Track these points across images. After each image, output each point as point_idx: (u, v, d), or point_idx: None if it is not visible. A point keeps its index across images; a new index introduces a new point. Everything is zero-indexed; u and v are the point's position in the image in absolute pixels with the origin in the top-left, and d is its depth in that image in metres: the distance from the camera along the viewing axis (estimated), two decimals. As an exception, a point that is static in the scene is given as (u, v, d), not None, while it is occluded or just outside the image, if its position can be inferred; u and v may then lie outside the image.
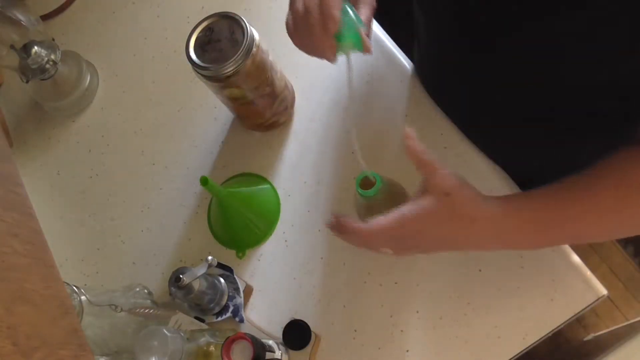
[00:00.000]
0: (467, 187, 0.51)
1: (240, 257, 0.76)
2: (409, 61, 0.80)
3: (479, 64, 0.61)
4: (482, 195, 0.51)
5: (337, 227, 0.54)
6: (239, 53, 0.64)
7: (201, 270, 0.63)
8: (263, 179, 0.79)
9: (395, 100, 0.77)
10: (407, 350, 0.67)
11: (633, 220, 0.50)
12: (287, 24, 0.58)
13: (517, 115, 0.64)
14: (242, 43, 0.64)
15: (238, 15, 0.66)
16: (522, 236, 0.51)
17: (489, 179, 0.71)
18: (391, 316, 0.69)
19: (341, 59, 0.56)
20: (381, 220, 0.51)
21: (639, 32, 0.45)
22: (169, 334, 0.59)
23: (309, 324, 0.69)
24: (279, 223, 0.76)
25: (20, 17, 0.84)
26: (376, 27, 0.82)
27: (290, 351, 0.69)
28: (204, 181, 0.63)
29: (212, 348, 0.62)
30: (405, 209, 0.51)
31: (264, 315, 0.72)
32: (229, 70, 0.64)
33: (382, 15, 0.84)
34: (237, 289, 0.71)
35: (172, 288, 0.63)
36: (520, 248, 0.57)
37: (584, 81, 0.54)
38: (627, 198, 0.49)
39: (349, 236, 0.53)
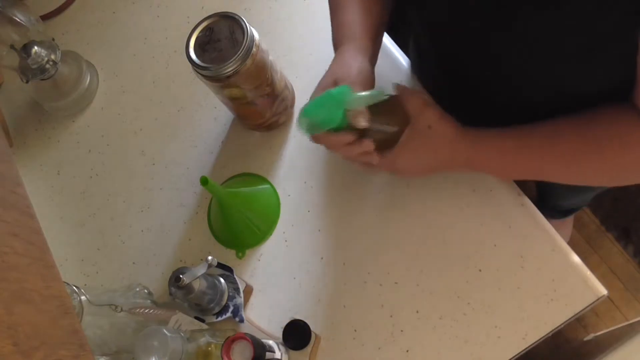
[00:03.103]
0: (444, 121, 0.61)
1: (240, 257, 0.76)
2: (409, 61, 0.80)
3: (477, 64, 0.61)
4: (456, 129, 0.61)
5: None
6: (239, 53, 0.64)
7: (201, 270, 0.63)
8: (263, 179, 0.79)
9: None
10: (407, 350, 0.67)
11: (612, 167, 0.56)
12: None
13: (518, 115, 0.64)
14: (242, 43, 0.64)
15: (238, 15, 0.66)
16: (489, 162, 0.61)
17: (488, 178, 0.71)
18: (391, 316, 0.69)
19: None
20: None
21: (627, 25, 0.45)
22: (169, 334, 0.59)
23: (309, 324, 0.69)
24: (279, 223, 0.76)
25: (20, 17, 0.84)
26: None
27: (290, 351, 0.69)
28: (204, 181, 0.63)
29: (212, 348, 0.62)
30: (399, 145, 0.61)
31: (264, 315, 0.72)
32: (229, 70, 0.64)
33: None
34: (237, 289, 0.71)
35: (172, 288, 0.63)
36: (491, 173, 0.66)
37: (582, 84, 0.54)
38: (607, 146, 0.54)
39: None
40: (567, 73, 0.53)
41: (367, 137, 0.58)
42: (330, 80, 0.59)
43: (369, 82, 0.60)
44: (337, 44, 0.64)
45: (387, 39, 0.82)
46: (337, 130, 0.57)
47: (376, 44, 0.65)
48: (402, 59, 0.80)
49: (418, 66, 0.77)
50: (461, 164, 0.62)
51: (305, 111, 0.55)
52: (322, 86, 0.59)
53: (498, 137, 0.61)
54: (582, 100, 0.55)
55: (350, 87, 0.55)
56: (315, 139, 0.59)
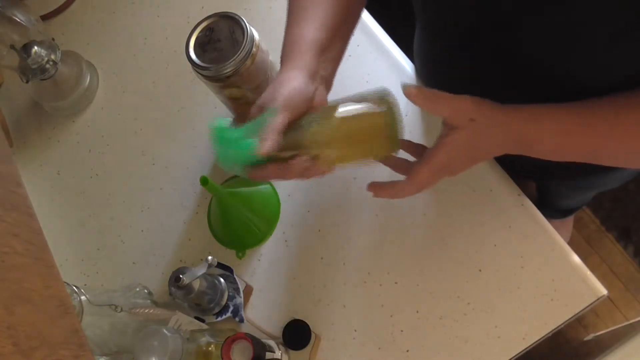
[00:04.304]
0: (486, 106, 0.54)
1: (240, 257, 0.76)
2: (409, 61, 0.80)
3: (484, 63, 0.60)
4: (504, 109, 0.54)
5: (384, 192, 0.59)
6: (239, 53, 0.64)
7: (201, 270, 0.63)
8: (263, 179, 0.79)
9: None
10: (407, 350, 0.67)
11: None
12: None
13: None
14: (242, 43, 0.64)
15: (238, 15, 0.66)
16: (541, 146, 0.55)
17: (488, 178, 0.71)
18: (391, 316, 0.69)
19: None
20: (423, 167, 0.55)
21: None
22: (169, 334, 0.59)
23: (309, 324, 0.69)
24: (279, 223, 0.76)
25: (20, 17, 0.84)
26: (375, 27, 0.82)
27: (290, 351, 0.69)
28: (204, 181, 0.63)
29: (212, 348, 0.62)
30: (439, 149, 0.55)
31: (264, 315, 0.72)
32: (228, 70, 0.64)
33: (381, 13, 0.84)
34: (237, 289, 0.71)
35: (172, 288, 0.63)
36: (540, 157, 0.58)
37: (588, 76, 0.53)
38: None
39: (402, 193, 0.57)
40: (593, 62, 0.51)
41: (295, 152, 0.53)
42: (258, 106, 0.55)
43: (301, 102, 0.54)
44: (280, 62, 0.60)
45: (386, 38, 0.82)
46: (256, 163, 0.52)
47: (326, 57, 0.59)
48: (402, 59, 0.80)
49: (427, 70, 0.76)
50: (512, 147, 0.56)
51: (220, 159, 0.52)
52: (251, 113, 0.56)
53: (555, 113, 0.54)
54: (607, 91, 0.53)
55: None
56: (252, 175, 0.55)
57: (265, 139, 0.51)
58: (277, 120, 0.52)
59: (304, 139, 0.53)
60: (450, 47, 0.64)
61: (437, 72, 0.73)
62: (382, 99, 0.55)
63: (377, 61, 0.80)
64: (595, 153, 0.57)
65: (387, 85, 0.78)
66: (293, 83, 0.54)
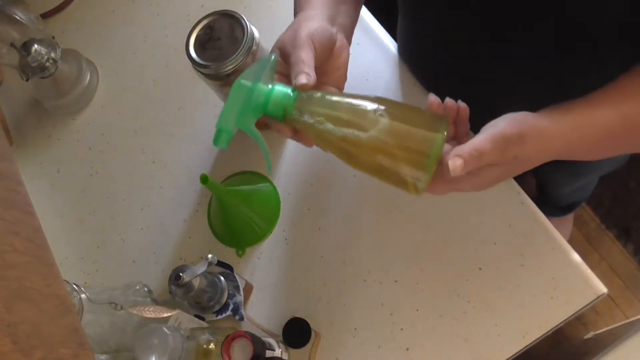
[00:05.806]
0: (525, 137, 0.47)
1: (240, 256, 0.76)
2: (397, 45, 0.80)
3: (469, 48, 0.60)
4: (544, 127, 0.48)
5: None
6: (239, 51, 0.64)
7: (201, 268, 0.63)
8: (263, 177, 0.79)
9: (387, 90, 0.77)
10: (407, 349, 0.68)
11: None
12: None
13: (513, 103, 0.63)
14: (242, 41, 0.64)
15: (238, 14, 0.66)
16: (572, 147, 0.51)
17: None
18: (391, 314, 0.69)
19: None
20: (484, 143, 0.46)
21: None
22: (169, 332, 0.59)
23: (309, 322, 0.69)
24: (279, 221, 0.76)
25: (20, 15, 0.84)
26: (376, 26, 0.82)
27: (290, 349, 0.69)
28: (204, 179, 0.63)
29: (212, 346, 0.62)
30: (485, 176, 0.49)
31: (264, 313, 0.72)
32: (229, 68, 0.64)
33: (381, 12, 0.84)
34: (237, 287, 0.71)
35: (172, 286, 0.63)
36: (577, 158, 0.55)
37: (589, 19, 0.51)
38: None
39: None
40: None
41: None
42: (277, 48, 0.51)
43: (324, 39, 0.51)
44: (295, 12, 0.57)
45: (376, 26, 0.82)
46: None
47: (343, 8, 0.57)
48: (393, 48, 0.80)
49: (413, 48, 0.76)
50: (550, 158, 0.52)
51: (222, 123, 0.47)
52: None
53: (581, 126, 0.50)
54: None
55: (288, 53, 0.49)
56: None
57: (300, 73, 0.47)
58: (303, 55, 0.47)
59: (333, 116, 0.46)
60: (432, 24, 0.64)
61: (420, 54, 0.73)
62: (439, 120, 0.47)
63: (377, 59, 0.80)
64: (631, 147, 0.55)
65: (387, 83, 0.78)
66: (314, 22, 0.51)
